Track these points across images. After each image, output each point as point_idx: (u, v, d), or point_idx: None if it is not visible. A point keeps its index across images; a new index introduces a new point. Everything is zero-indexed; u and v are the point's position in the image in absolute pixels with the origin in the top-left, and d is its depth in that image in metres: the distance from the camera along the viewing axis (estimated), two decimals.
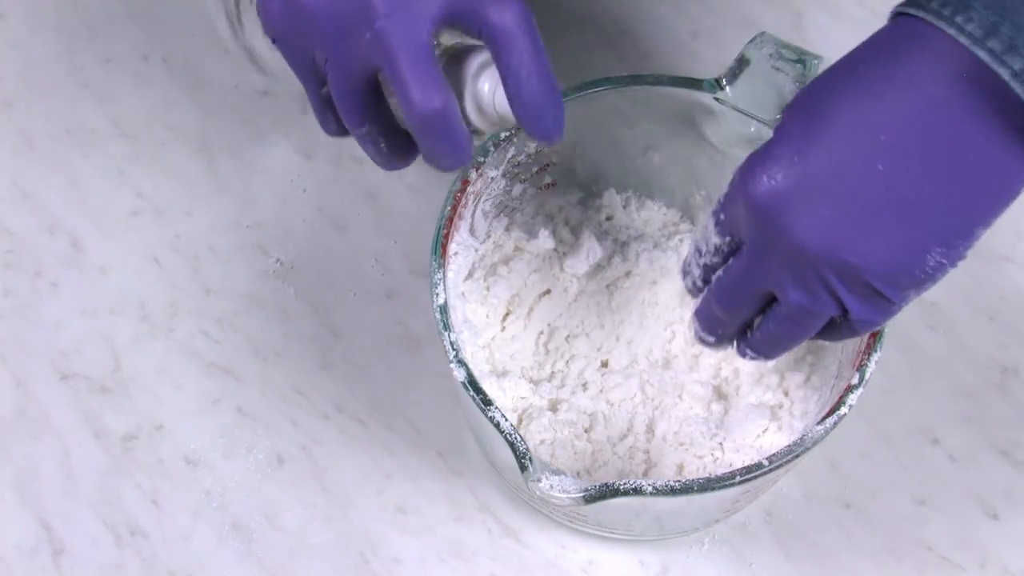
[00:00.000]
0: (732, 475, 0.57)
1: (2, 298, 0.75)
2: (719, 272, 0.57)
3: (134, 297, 0.75)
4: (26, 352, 0.74)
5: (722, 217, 0.55)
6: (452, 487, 0.70)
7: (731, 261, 0.56)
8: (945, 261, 0.52)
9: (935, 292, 0.73)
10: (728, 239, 0.56)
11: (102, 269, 0.76)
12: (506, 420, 0.58)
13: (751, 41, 0.63)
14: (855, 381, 0.59)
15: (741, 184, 0.53)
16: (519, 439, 0.57)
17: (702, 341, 0.60)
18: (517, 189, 0.68)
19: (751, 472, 0.57)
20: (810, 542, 0.69)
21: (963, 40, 0.49)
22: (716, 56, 0.81)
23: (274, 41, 0.56)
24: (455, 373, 0.59)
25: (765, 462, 0.57)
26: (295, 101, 0.80)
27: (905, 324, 0.72)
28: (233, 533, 0.69)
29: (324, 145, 0.79)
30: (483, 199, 0.66)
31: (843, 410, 0.58)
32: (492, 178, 0.65)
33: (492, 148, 0.64)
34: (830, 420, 0.58)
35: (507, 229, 0.70)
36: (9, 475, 0.71)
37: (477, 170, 0.64)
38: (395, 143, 0.57)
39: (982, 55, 0.49)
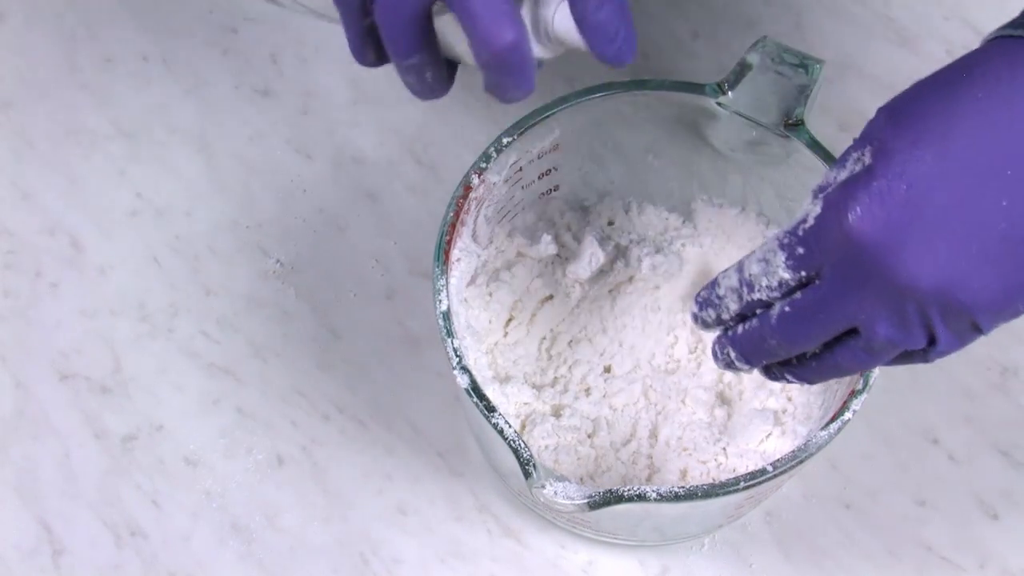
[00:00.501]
0: (736, 481, 0.57)
1: (2, 299, 0.75)
2: (781, 306, 0.53)
3: (134, 297, 0.75)
4: (26, 352, 0.74)
5: (800, 251, 0.51)
6: (452, 488, 0.70)
7: (800, 294, 0.52)
8: None
9: None
10: (803, 274, 0.52)
11: (102, 269, 0.76)
12: (509, 427, 0.58)
13: (753, 45, 0.63)
14: (859, 386, 0.59)
15: (839, 217, 0.49)
16: (523, 445, 0.57)
17: (732, 367, 0.57)
18: (519, 194, 0.68)
19: (755, 478, 0.57)
20: (810, 543, 0.69)
21: None
22: (716, 57, 0.81)
23: None
24: (458, 380, 0.59)
25: (769, 468, 0.57)
26: (295, 101, 0.80)
27: None
28: (233, 533, 0.69)
29: (324, 145, 0.79)
30: (485, 205, 0.66)
31: (847, 415, 0.58)
32: (494, 184, 0.65)
33: (495, 153, 0.64)
34: (834, 425, 0.58)
35: (509, 235, 0.70)
36: (9, 475, 0.71)
37: (479, 176, 0.64)
38: (440, 73, 0.55)
39: None
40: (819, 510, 0.70)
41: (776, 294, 0.53)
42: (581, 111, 0.65)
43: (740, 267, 0.54)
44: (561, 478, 0.56)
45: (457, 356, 0.60)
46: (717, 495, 0.57)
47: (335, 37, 0.82)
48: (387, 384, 0.73)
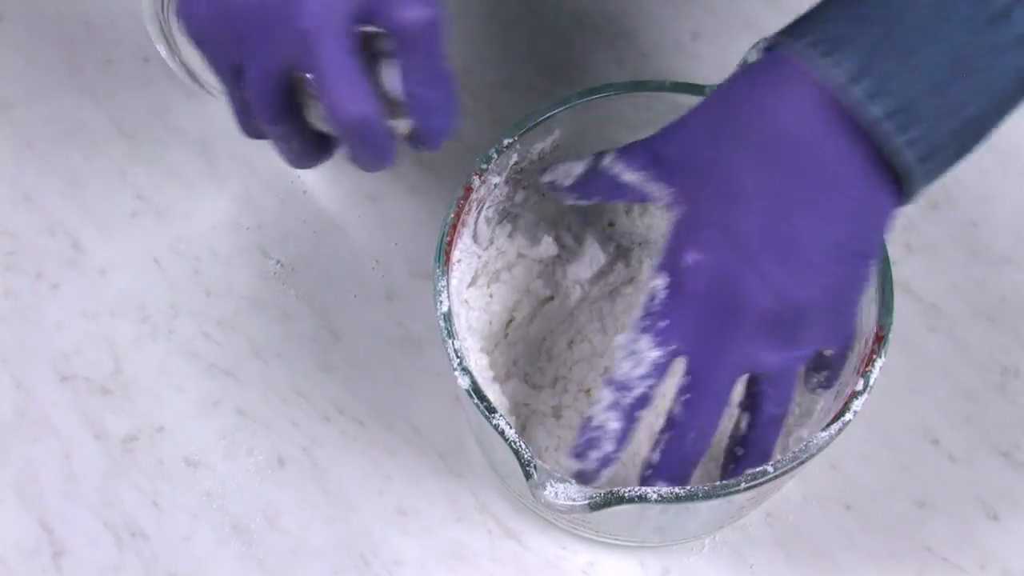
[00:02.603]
0: (737, 482, 0.57)
1: (3, 300, 0.75)
2: (677, 401, 0.57)
3: (134, 299, 0.75)
4: (26, 354, 0.74)
5: (663, 324, 0.56)
6: (453, 489, 0.70)
7: (687, 376, 0.56)
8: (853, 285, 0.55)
9: (936, 294, 0.74)
10: (673, 347, 0.56)
11: (102, 271, 0.76)
12: (510, 428, 0.58)
13: (754, 46, 0.63)
14: (859, 387, 0.59)
15: (683, 280, 0.55)
16: (523, 447, 0.57)
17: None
18: (520, 195, 0.68)
19: (756, 479, 0.57)
20: (811, 544, 0.69)
21: (832, 80, 0.50)
22: (717, 58, 0.81)
23: (197, 44, 0.56)
24: (459, 381, 0.59)
25: (770, 468, 0.57)
26: None
27: (906, 326, 0.72)
28: (233, 534, 0.69)
29: None
30: (486, 205, 0.66)
31: (848, 416, 0.58)
32: (495, 184, 0.65)
33: (495, 154, 0.64)
34: (835, 426, 0.58)
35: (510, 236, 0.70)
36: (9, 476, 0.71)
37: (480, 176, 0.64)
38: (306, 143, 0.58)
39: (854, 95, 0.50)
40: (819, 511, 0.70)
41: (653, 380, 0.56)
42: (581, 112, 0.65)
43: (609, 382, 0.57)
44: (562, 479, 0.56)
45: (458, 357, 0.60)
46: (718, 496, 0.57)
47: None
48: (387, 385, 0.73)
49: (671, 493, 0.56)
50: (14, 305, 0.75)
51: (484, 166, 0.64)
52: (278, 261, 0.76)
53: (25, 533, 0.70)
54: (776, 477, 0.57)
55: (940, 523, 0.69)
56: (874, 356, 0.59)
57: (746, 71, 0.55)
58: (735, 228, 0.54)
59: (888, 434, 0.71)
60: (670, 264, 0.56)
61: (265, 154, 0.79)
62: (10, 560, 0.69)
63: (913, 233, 0.75)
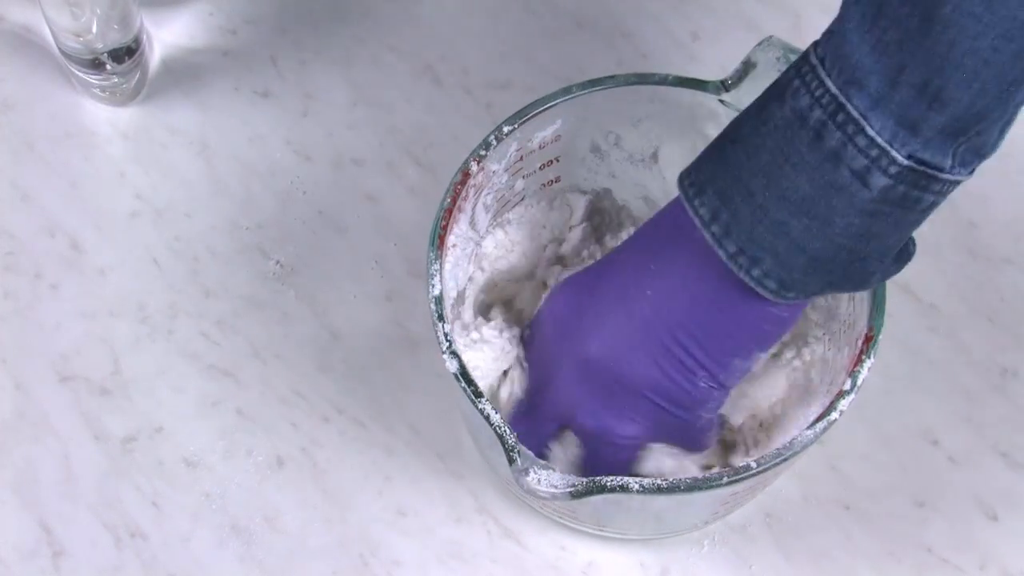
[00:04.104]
0: (720, 476, 0.57)
1: (2, 300, 0.75)
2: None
3: (134, 299, 0.75)
4: (26, 354, 0.74)
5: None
6: (452, 489, 0.70)
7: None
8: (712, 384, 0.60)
9: (935, 294, 0.74)
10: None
11: (102, 271, 0.76)
12: (496, 413, 0.58)
13: (758, 44, 0.63)
14: (847, 387, 0.59)
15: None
16: (508, 431, 0.57)
17: None
18: (520, 184, 0.68)
19: (738, 474, 0.57)
20: (809, 544, 0.69)
21: (696, 221, 0.54)
22: (716, 57, 0.81)
23: None
24: (447, 364, 0.59)
25: (753, 464, 0.57)
26: (295, 102, 0.80)
27: (905, 326, 0.72)
28: (233, 535, 0.69)
29: (324, 147, 0.79)
30: (484, 192, 0.66)
31: (833, 415, 0.58)
32: (494, 172, 0.65)
33: (494, 141, 0.64)
34: (820, 425, 0.58)
35: (507, 225, 0.69)
36: (9, 477, 0.71)
37: (479, 163, 0.64)
38: None
39: (707, 237, 0.53)
40: (819, 511, 0.70)
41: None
42: (583, 103, 0.64)
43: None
44: (545, 466, 0.56)
45: (447, 340, 0.60)
46: (700, 489, 0.57)
47: (334, 39, 0.83)
48: (387, 385, 0.73)
49: (652, 484, 0.56)
50: (13, 306, 0.75)
51: (483, 153, 0.64)
52: (277, 261, 0.76)
53: (24, 533, 0.70)
54: (758, 473, 0.57)
55: (939, 523, 0.69)
56: (863, 357, 0.59)
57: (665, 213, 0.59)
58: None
59: (887, 434, 0.71)
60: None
61: (265, 155, 0.79)
62: (9, 560, 0.69)
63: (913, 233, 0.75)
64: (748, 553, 0.69)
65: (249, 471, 0.71)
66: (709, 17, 0.82)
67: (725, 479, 0.57)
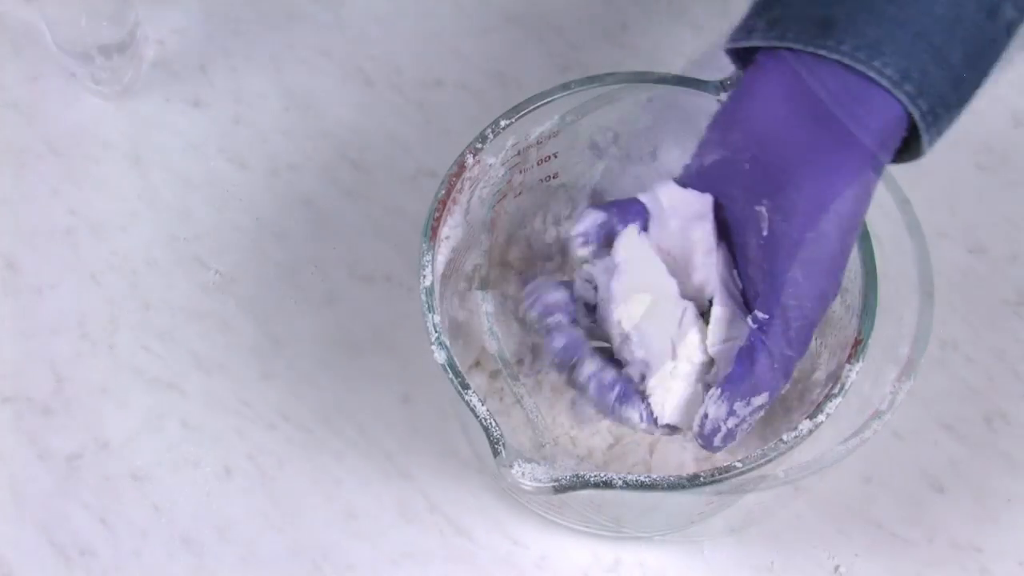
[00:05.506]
0: (706, 474, 0.57)
1: None
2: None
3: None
4: None
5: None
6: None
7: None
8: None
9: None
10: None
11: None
12: (482, 405, 0.58)
13: (730, 37, 0.63)
14: (835, 391, 0.59)
15: None
16: (494, 424, 0.57)
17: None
18: (517, 179, 0.67)
19: (722, 473, 0.57)
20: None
21: (883, 83, 0.54)
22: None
23: None
24: (436, 355, 0.59)
25: (738, 464, 0.57)
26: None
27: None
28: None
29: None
30: (480, 185, 0.65)
31: (820, 418, 0.58)
32: (490, 165, 0.65)
33: (491, 134, 0.63)
34: (806, 425, 0.58)
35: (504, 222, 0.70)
36: None
37: (474, 155, 0.63)
38: None
39: (900, 97, 0.54)
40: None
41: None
42: (581, 99, 0.64)
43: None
44: (529, 459, 0.56)
45: (436, 331, 0.60)
46: (684, 488, 0.57)
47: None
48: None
49: (635, 480, 0.56)
50: None
51: (479, 145, 0.63)
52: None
53: None
54: (742, 473, 0.57)
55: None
56: (851, 360, 0.59)
57: (749, 80, 0.58)
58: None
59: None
60: None
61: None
62: None
63: None
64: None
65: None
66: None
67: (705, 478, 0.57)
